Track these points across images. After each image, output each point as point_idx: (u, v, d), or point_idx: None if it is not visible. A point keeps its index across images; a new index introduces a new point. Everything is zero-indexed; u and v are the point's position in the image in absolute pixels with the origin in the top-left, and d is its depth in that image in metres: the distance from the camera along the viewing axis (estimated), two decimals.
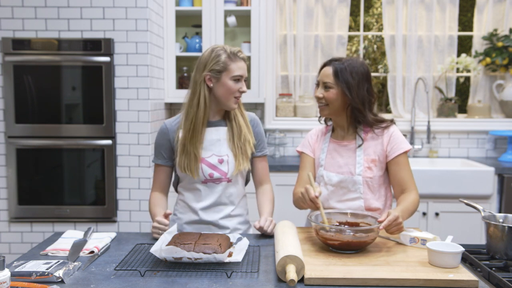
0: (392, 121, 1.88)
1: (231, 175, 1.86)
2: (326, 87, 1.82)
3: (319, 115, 1.96)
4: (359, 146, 1.84)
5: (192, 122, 1.81)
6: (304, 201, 1.66)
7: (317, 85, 1.87)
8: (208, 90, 1.82)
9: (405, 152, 1.82)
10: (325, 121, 1.99)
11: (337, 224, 1.66)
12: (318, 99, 1.85)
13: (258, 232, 1.81)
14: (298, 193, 1.82)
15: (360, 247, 1.51)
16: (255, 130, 1.95)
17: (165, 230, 1.68)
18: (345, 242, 1.48)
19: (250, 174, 2.02)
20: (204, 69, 1.81)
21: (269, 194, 1.96)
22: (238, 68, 1.81)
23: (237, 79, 1.81)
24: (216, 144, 1.86)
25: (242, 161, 1.87)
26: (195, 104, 1.82)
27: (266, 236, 1.77)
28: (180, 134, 1.85)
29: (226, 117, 1.90)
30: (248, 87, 3.36)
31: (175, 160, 1.89)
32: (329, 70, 1.82)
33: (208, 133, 1.86)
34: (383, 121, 1.86)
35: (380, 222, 1.52)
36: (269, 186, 2.00)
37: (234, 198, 1.91)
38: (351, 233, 1.50)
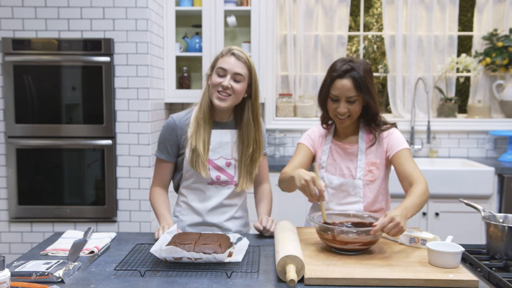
0: (394, 125, 1.89)
1: (237, 180, 1.85)
2: (349, 101, 1.76)
3: (320, 120, 1.95)
4: (361, 150, 1.84)
5: (196, 120, 1.81)
6: (307, 189, 1.56)
7: (334, 100, 1.78)
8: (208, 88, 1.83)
9: (407, 149, 1.82)
10: (326, 123, 1.95)
11: (339, 224, 1.65)
12: (341, 114, 1.78)
13: (258, 232, 1.81)
14: (290, 173, 1.71)
15: (360, 249, 1.50)
16: None
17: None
18: (343, 242, 1.48)
19: None
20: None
21: (268, 195, 1.96)
22: (223, 62, 1.76)
23: (221, 73, 1.75)
24: (224, 147, 1.83)
25: (246, 181, 1.85)
26: (201, 103, 1.83)
27: (266, 236, 1.77)
28: (189, 132, 1.82)
29: (239, 121, 1.86)
30: None
31: (180, 157, 1.86)
32: (348, 83, 1.73)
33: (218, 135, 1.83)
34: (386, 123, 1.87)
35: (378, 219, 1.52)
36: (268, 185, 2.00)
37: (238, 200, 1.90)
38: (352, 235, 1.48)
